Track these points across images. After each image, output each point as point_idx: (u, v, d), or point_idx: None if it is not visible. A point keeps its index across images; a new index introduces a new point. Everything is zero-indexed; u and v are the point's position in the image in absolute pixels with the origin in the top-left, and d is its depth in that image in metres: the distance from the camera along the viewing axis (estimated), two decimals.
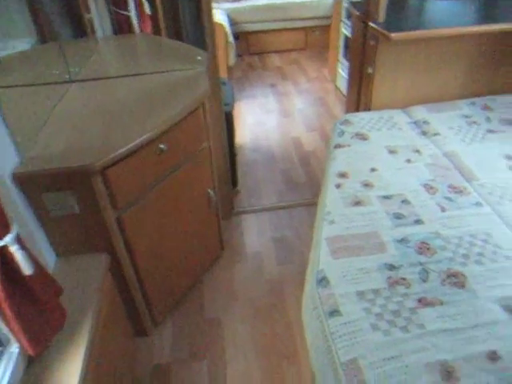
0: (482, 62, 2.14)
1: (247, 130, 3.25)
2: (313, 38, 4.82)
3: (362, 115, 2.07)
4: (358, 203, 1.54)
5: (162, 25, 2.95)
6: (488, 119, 2.04)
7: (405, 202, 1.55)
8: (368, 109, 2.13)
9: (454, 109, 2.12)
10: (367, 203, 1.54)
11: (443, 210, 1.52)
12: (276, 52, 4.76)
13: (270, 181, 2.70)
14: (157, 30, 2.96)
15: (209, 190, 1.91)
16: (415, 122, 2.04)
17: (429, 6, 2.18)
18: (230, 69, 3.61)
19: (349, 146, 1.85)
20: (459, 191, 1.62)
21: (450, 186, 1.64)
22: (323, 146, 2.99)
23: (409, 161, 1.77)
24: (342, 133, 1.94)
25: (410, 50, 2.00)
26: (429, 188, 1.62)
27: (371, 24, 1.84)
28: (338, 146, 1.86)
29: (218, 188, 2.11)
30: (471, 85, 2.21)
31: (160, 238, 1.65)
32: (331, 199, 1.57)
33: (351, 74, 2.24)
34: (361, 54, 2.03)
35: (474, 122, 2.02)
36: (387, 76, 2.05)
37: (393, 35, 1.72)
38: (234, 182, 2.60)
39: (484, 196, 1.61)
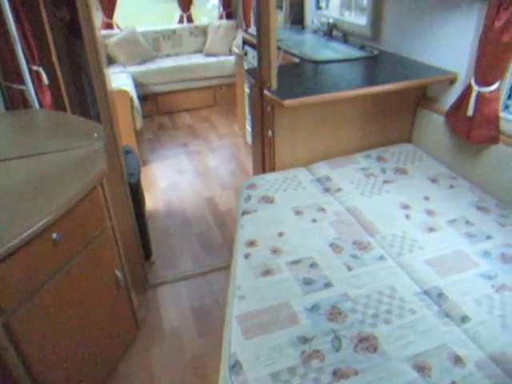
0: (373, 117, 2.31)
1: (159, 194, 3.17)
2: (221, 95, 4.96)
3: (268, 177, 2.10)
4: (267, 272, 1.52)
5: (65, 97, 2.85)
6: (383, 170, 2.17)
7: (313, 265, 1.56)
8: (273, 169, 2.18)
9: (353, 163, 2.23)
10: (277, 271, 1.52)
11: (350, 268, 1.55)
12: (186, 111, 4.81)
13: (185, 247, 2.61)
14: (59, 103, 2.84)
15: (116, 271, 1.78)
16: (318, 179, 2.11)
17: (319, 70, 2.33)
18: (138, 132, 3.55)
19: (256, 211, 1.85)
20: (363, 247, 1.66)
21: (354, 243, 1.68)
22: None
23: (314, 220, 1.80)
24: (249, 197, 1.94)
25: (305, 112, 2.10)
26: (335, 247, 1.65)
27: (265, 92, 1.91)
28: (245, 213, 1.85)
29: (128, 264, 1.98)
30: (366, 139, 2.36)
31: (62, 334, 1.48)
32: (241, 271, 1.53)
33: (254, 137, 2.29)
34: (260, 118, 2.09)
35: (372, 174, 2.14)
36: (287, 137, 2.12)
37: (286, 102, 1.80)
38: (148, 254, 2.48)
39: (386, 249, 1.67)
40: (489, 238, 1.72)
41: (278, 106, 1.94)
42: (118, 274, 1.79)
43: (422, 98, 2.34)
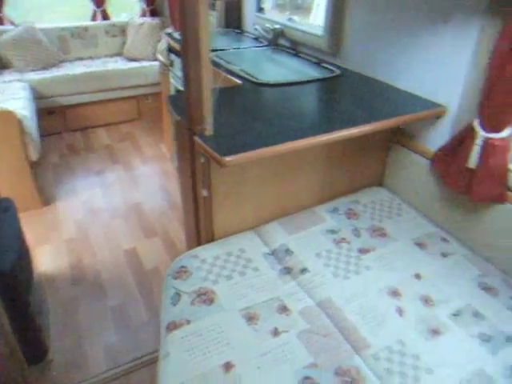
0: (337, 161, 1.79)
1: (64, 247, 2.44)
2: (146, 107, 4.24)
3: (204, 253, 1.50)
4: None
5: None
6: (356, 232, 1.66)
7: None
8: (211, 239, 1.58)
9: (317, 222, 1.70)
10: None
11: None
12: (103, 126, 4.04)
13: (97, 330, 1.94)
14: None
15: None
16: (274, 253, 1.55)
17: (269, 98, 1.76)
18: (34, 164, 2.77)
19: (188, 322, 1.24)
20: (351, 379, 1.13)
21: (337, 373, 1.14)
22: (169, 259, 2.36)
23: (276, 332, 1.24)
24: (178, 296, 1.33)
25: (253, 162, 1.53)
26: None
27: (197, 139, 1.31)
28: (172, 327, 1.23)
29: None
30: (329, 187, 1.85)
31: None
32: None
33: (184, 196, 1.67)
34: (191, 172, 1.48)
35: (343, 240, 1.62)
36: (229, 196, 1.54)
37: (227, 160, 1.20)
38: (43, 351, 1.78)
39: (384, 380, 1.15)
40: (510, 340, 1.27)
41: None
42: None
43: (397, 134, 1.86)
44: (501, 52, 1.28)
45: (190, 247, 1.59)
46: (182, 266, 1.44)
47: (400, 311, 1.34)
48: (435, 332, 1.28)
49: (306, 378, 1.12)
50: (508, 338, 1.28)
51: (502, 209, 1.51)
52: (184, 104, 1.42)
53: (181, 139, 1.55)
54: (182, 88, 2.55)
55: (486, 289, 1.45)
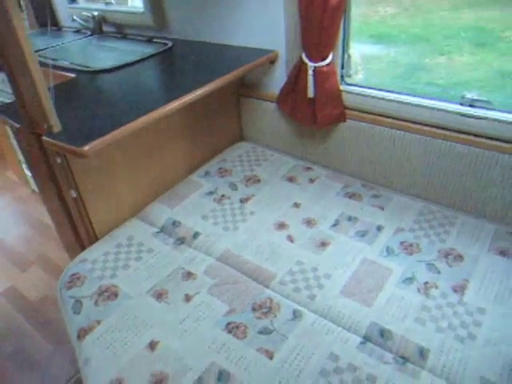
0: (197, 125, 1.84)
1: None
2: None
3: (92, 254, 1.43)
4: None
5: None
6: (233, 186, 1.74)
7: (222, 376, 1.05)
8: (95, 239, 1.51)
9: (194, 189, 1.74)
10: None
11: (271, 356, 1.09)
12: None
13: None
14: None
15: None
16: (163, 230, 1.55)
17: (110, 82, 1.68)
18: None
19: (99, 322, 1.19)
20: (268, 308, 1.22)
21: (254, 308, 1.22)
22: (54, 280, 2.18)
23: (187, 298, 1.26)
24: (79, 303, 1.25)
25: (114, 148, 1.49)
26: (235, 330, 1.16)
27: (47, 139, 1.22)
28: (83, 334, 1.16)
29: None
30: (198, 152, 1.89)
31: None
32: None
33: (51, 207, 1.54)
34: (50, 177, 1.38)
35: (223, 197, 1.69)
36: (101, 190, 1.48)
37: (86, 149, 1.15)
38: None
39: (293, 298, 1.26)
40: (380, 229, 1.50)
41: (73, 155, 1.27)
42: None
43: (243, 87, 1.97)
44: None
45: (73, 256, 1.50)
46: (73, 274, 1.36)
47: (290, 238, 1.47)
48: (323, 244, 1.44)
49: (228, 323, 1.18)
50: (378, 227, 1.50)
51: (345, 126, 1.73)
52: (20, 108, 1.31)
53: (27, 147, 1.43)
54: (7, 100, 2.32)
55: (352, 196, 1.67)
